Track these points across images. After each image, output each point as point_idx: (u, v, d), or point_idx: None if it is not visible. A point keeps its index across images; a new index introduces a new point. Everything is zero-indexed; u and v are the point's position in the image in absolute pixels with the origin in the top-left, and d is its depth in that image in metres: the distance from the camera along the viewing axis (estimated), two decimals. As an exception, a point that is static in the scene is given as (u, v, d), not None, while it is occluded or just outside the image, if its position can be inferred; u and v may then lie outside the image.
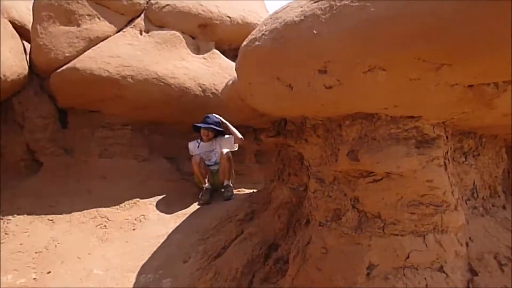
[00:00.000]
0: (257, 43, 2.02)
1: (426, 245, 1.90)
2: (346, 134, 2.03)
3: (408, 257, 1.88)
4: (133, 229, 4.16)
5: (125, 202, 4.60)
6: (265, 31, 1.98)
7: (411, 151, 1.84)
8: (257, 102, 2.38)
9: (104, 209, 4.46)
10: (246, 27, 5.68)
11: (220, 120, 4.77)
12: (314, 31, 1.70)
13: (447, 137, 1.98)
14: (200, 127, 4.74)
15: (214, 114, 4.78)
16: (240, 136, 4.76)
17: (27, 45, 4.98)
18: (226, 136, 4.88)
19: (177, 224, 4.20)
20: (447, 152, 1.98)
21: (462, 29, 1.35)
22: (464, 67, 1.49)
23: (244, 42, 2.22)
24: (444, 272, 1.89)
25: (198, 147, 4.89)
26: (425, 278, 1.86)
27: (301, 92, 1.90)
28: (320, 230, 2.17)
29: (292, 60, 1.85)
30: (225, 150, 4.79)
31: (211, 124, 4.69)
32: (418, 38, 1.44)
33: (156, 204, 4.67)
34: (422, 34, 1.43)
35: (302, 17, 1.76)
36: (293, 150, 3.04)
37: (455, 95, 1.63)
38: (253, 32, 2.18)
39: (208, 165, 4.86)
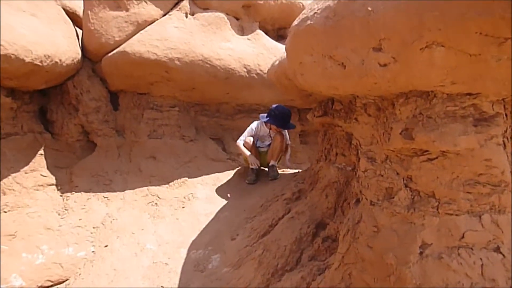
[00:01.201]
0: (309, 22, 2.02)
1: (482, 225, 1.86)
2: (400, 113, 2.00)
3: (463, 236, 1.85)
4: (183, 207, 4.31)
5: (174, 181, 4.76)
6: (317, 10, 1.97)
7: (468, 129, 1.79)
8: (307, 82, 2.38)
9: (154, 187, 4.65)
10: (290, 7, 5.65)
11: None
12: (369, 8, 1.68)
13: (506, 115, 1.90)
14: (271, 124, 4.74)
15: (284, 109, 4.73)
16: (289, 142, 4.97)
17: (79, 31, 5.17)
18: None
19: (225, 203, 4.31)
20: (506, 131, 1.91)
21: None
22: (530, 41, 1.43)
23: (295, 22, 2.22)
24: (500, 252, 1.85)
25: (260, 128, 4.92)
26: (481, 258, 1.83)
27: (354, 70, 1.89)
28: (371, 209, 2.17)
29: (346, 38, 1.84)
30: (281, 131, 4.82)
31: (289, 124, 4.73)
32: (480, 11, 1.39)
33: (204, 183, 4.80)
34: (484, 7, 1.38)
35: (356, -6, 1.74)
36: (341, 130, 3.03)
37: (518, 70, 1.58)
38: (304, 11, 2.17)
39: (259, 146, 4.91)
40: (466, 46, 1.52)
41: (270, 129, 4.87)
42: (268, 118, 4.66)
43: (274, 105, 4.72)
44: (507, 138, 1.91)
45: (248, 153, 4.69)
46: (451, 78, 1.68)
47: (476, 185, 1.84)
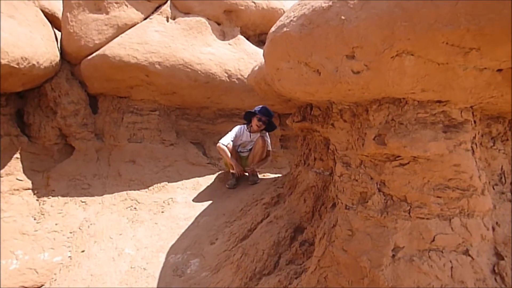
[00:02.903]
0: (285, 29, 2.05)
1: (452, 228, 1.92)
2: (373, 119, 2.05)
3: (433, 240, 1.90)
4: (162, 211, 4.30)
5: (154, 185, 4.75)
6: (293, 17, 2.01)
7: (438, 136, 1.85)
8: (284, 87, 2.41)
9: (134, 191, 4.62)
10: (271, 13, 5.70)
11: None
12: (342, 17, 1.72)
13: (474, 122, 1.98)
14: (253, 114, 4.73)
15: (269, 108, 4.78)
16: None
17: (58, 33, 5.12)
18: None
19: (204, 207, 4.31)
20: (474, 137, 1.98)
21: (491, 13, 1.35)
22: (493, 52, 1.49)
23: (272, 28, 2.25)
24: (469, 255, 1.91)
25: (242, 134, 4.90)
26: (450, 261, 1.89)
27: (329, 77, 1.93)
28: (346, 213, 2.22)
29: (320, 45, 1.88)
30: (264, 135, 4.83)
31: (268, 116, 4.71)
32: (447, 23, 1.45)
33: (184, 188, 4.79)
34: (450, 19, 1.44)
35: (330, 3, 1.78)
36: (319, 135, 3.08)
37: (484, 79, 1.64)
38: (281, 18, 2.21)
39: (240, 151, 4.92)
40: (435, 56, 1.58)
41: (251, 132, 4.87)
42: (254, 110, 4.69)
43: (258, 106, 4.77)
44: (476, 144, 1.98)
45: (229, 156, 4.68)
46: (421, 85, 1.73)
47: (446, 190, 1.90)
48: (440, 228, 1.91)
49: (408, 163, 1.94)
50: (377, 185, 2.08)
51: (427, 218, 1.92)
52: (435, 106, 1.86)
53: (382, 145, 1.96)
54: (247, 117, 4.86)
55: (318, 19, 1.84)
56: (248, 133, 4.90)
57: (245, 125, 4.93)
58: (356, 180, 2.20)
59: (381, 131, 1.99)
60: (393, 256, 1.94)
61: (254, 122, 4.75)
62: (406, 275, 1.88)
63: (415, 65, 1.64)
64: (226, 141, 4.72)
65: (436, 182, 1.91)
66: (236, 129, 4.91)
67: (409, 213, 1.95)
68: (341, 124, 2.39)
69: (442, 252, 1.91)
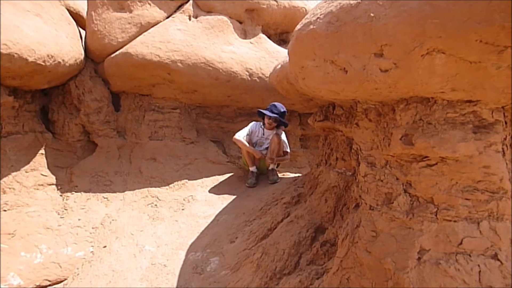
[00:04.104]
0: (311, 26, 2.03)
1: (480, 231, 1.87)
2: (400, 118, 2.02)
3: (461, 243, 1.86)
4: (182, 209, 4.32)
5: (174, 183, 4.77)
6: (320, 15, 1.99)
7: (467, 136, 1.80)
8: (308, 86, 2.39)
9: (154, 189, 4.66)
10: (293, 11, 5.67)
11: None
12: (371, 14, 1.69)
13: (506, 123, 1.92)
14: (264, 114, 4.77)
15: (280, 104, 4.80)
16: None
17: (82, 32, 5.20)
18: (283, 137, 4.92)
19: (224, 205, 4.32)
20: (505, 138, 1.92)
21: (530, 10, 1.31)
22: (529, 50, 1.45)
23: (298, 26, 2.24)
24: (498, 259, 1.86)
25: (257, 130, 4.96)
26: (478, 265, 1.84)
27: (356, 75, 1.90)
28: (370, 214, 2.18)
29: (348, 43, 1.85)
30: (279, 132, 4.83)
31: (277, 114, 4.71)
32: (480, 20, 1.41)
33: (204, 186, 4.81)
34: (484, 16, 1.40)
35: (359, 0, 1.75)
36: (342, 135, 3.04)
37: (518, 78, 1.59)
38: (307, 15, 2.19)
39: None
40: (466, 54, 1.54)
41: (264, 127, 4.93)
42: (264, 110, 4.77)
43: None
44: (506, 146, 1.92)
45: (247, 144, 4.77)
46: (451, 85, 1.69)
47: (474, 192, 1.85)
48: (467, 231, 1.87)
49: (436, 164, 1.89)
50: (403, 186, 2.04)
51: (455, 221, 1.88)
52: (465, 106, 1.82)
53: (409, 145, 1.93)
54: (260, 116, 4.93)
55: (346, 16, 1.81)
56: (263, 130, 4.96)
57: (261, 122, 4.99)
58: (381, 181, 2.16)
59: (408, 131, 1.95)
60: (419, 258, 1.90)
61: (266, 120, 4.83)
62: (432, 278, 1.84)
63: (445, 64, 1.60)
64: (242, 135, 4.82)
65: (464, 184, 1.86)
66: (251, 124, 4.99)
67: (435, 215, 1.91)
68: (366, 124, 2.35)
69: (469, 255, 1.86)
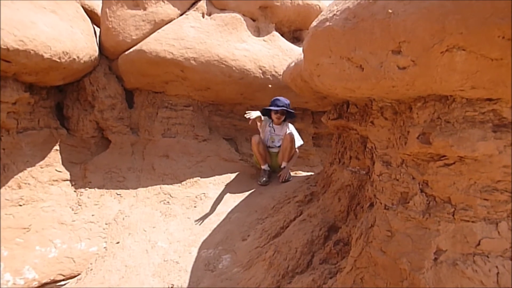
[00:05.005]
0: (327, 23, 2.01)
1: (498, 232, 1.83)
2: (417, 117, 1.98)
3: (479, 244, 1.82)
4: (194, 206, 4.33)
5: (187, 180, 4.79)
6: (337, 11, 1.97)
7: (487, 135, 1.76)
8: (324, 83, 2.37)
9: (167, 186, 4.67)
10: (307, 9, 5.64)
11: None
12: (389, 10, 1.67)
13: (527, 122, 1.88)
14: (269, 110, 4.78)
15: (281, 97, 4.81)
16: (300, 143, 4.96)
17: (97, 29, 5.24)
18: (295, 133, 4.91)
19: (236, 203, 4.31)
20: (526, 138, 1.88)
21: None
22: (554, 47, 1.41)
23: (314, 23, 2.22)
24: (517, 261, 1.83)
25: (269, 125, 4.97)
26: (497, 266, 1.80)
27: (372, 73, 1.88)
28: (386, 213, 2.16)
29: (365, 40, 1.83)
30: (290, 130, 4.82)
31: (282, 106, 4.71)
32: (503, 16, 1.38)
33: (216, 183, 4.81)
34: (507, 11, 1.36)
35: (377, -4, 1.73)
36: (356, 133, 3.02)
37: (541, 77, 1.55)
38: (323, 12, 2.17)
39: (269, 147, 4.93)
40: (488, 51, 1.50)
41: (273, 125, 4.95)
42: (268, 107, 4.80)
43: None
44: (527, 145, 1.88)
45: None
46: (471, 82, 1.66)
47: (493, 192, 1.81)
48: (486, 231, 1.83)
49: (454, 163, 1.86)
50: (419, 185, 2.01)
51: (473, 221, 1.84)
52: (485, 104, 1.78)
53: (426, 144, 1.89)
54: (266, 114, 4.92)
55: (364, 12, 1.79)
56: (273, 127, 4.97)
57: (270, 120, 5.00)
58: (397, 180, 2.13)
59: (425, 129, 1.91)
60: (435, 259, 1.87)
61: (273, 115, 4.84)
62: (449, 279, 1.81)
63: (466, 61, 1.56)
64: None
65: (483, 183, 1.82)
66: (264, 120, 4.99)
67: (453, 215, 1.87)
68: (382, 122, 2.32)
69: (487, 257, 1.82)
